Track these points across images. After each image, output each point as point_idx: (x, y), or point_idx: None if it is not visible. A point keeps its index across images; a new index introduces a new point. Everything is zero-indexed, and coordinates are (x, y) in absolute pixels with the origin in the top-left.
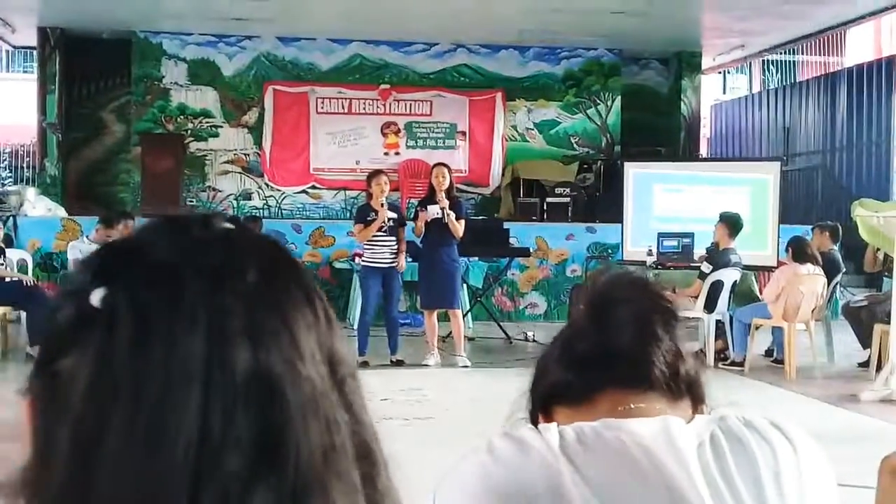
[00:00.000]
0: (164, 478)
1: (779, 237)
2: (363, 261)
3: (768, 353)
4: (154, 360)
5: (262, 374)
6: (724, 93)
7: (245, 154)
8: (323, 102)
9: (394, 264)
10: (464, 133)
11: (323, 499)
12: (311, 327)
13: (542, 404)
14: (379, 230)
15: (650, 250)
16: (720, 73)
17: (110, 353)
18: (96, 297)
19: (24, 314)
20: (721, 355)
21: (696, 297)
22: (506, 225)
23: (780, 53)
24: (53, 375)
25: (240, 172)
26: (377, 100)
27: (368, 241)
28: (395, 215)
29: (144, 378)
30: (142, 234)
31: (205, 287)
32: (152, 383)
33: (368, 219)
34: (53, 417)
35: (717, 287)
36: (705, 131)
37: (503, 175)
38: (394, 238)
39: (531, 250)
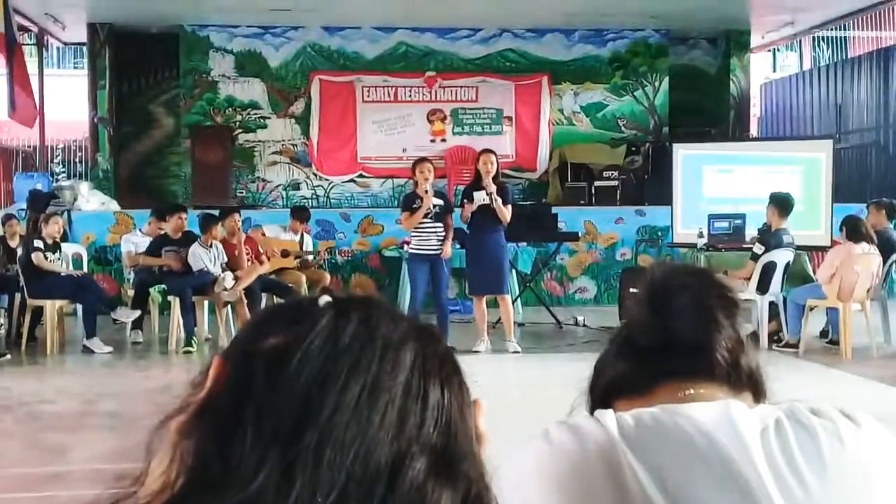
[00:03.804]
0: (373, 438)
1: (832, 216)
2: (410, 248)
3: (823, 334)
4: (375, 344)
5: (445, 409)
6: (774, 71)
7: (293, 144)
8: (369, 91)
9: (440, 251)
10: (510, 118)
11: None
12: (470, 405)
13: (602, 400)
14: (425, 217)
15: (701, 232)
16: (769, 51)
17: (338, 330)
18: (323, 299)
19: (79, 307)
20: (775, 337)
21: (749, 279)
22: (554, 209)
23: (831, 29)
24: (252, 354)
25: (288, 163)
26: (423, 87)
27: (415, 228)
28: (441, 202)
29: (366, 350)
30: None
31: (413, 336)
32: (372, 356)
33: (414, 206)
34: (262, 377)
35: (770, 268)
36: (755, 111)
37: (550, 159)
38: (440, 225)
39: (580, 234)
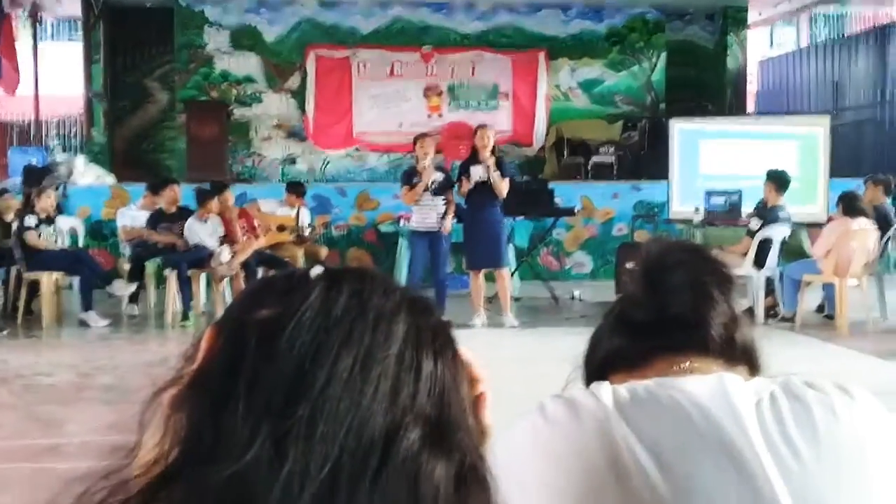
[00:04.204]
0: (366, 410)
1: (829, 192)
2: (410, 224)
3: (820, 309)
4: (367, 316)
5: (439, 380)
6: (772, 47)
7: (288, 119)
8: (365, 66)
9: (440, 227)
10: (507, 94)
11: (484, 494)
12: (464, 377)
13: (598, 374)
14: (425, 192)
15: (697, 208)
16: (767, 27)
17: (329, 302)
18: (315, 271)
19: (76, 281)
20: (771, 312)
21: (745, 255)
22: (550, 185)
23: (829, 6)
24: (244, 325)
25: (284, 137)
26: (419, 62)
27: (415, 203)
28: (442, 176)
29: (358, 321)
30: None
31: (406, 308)
32: (364, 328)
33: (414, 181)
34: (254, 349)
35: (766, 244)
36: (752, 87)
37: (547, 135)
38: (441, 200)
39: (576, 210)
